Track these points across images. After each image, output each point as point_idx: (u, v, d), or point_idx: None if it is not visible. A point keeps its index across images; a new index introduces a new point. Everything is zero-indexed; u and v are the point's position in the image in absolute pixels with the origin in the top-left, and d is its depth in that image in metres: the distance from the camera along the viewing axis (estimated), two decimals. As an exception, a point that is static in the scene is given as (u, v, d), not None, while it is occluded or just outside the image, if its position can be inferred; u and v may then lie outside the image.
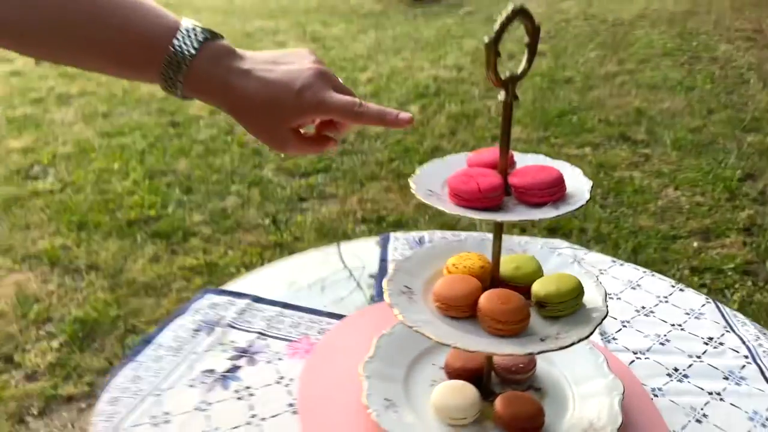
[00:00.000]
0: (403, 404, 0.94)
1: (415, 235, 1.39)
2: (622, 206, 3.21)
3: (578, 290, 0.88)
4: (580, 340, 0.82)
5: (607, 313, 0.87)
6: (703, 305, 1.20)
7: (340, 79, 0.82)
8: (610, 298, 1.22)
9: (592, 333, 0.83)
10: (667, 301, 1.21)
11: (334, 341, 1.10)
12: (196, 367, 1.04)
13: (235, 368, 1.04)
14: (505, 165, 0.85)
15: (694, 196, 3.35)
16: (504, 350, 0.82)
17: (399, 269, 0.95)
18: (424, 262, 0.98)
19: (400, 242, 1.36)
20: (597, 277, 0.93)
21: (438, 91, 4.49)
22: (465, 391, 0.93)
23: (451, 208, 0.80)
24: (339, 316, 1.16)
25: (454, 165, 0.90)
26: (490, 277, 0.92)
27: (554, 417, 0.93)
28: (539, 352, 0.80)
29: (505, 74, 0.80)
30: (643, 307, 1.20)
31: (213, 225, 2.96)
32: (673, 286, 1.26)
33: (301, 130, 0.82)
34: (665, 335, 1.13)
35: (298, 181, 3.30)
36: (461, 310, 0.87)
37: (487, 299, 0.86)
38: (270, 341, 1.10)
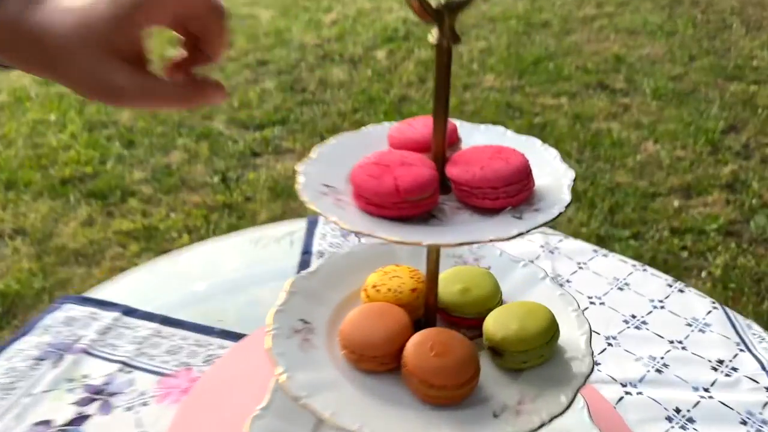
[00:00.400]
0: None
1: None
2: (599, 161, 2.90)
3: (550, 332, 0.57)
4: (551, 419, 0.52)
5: (593, 367, 0.56)
6: (709, 312, 0.91)
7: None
8: (591, 302, 0.91)
9: (570, 404, 0.53)
10: (663, 307, 0.91)
11: (221, 377, 0.79)
12: (28, 417, 0.73)
13: (80, 418, 0.73)
14: (441, 146, 0.53)
15: (675, 150, 3.04)
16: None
17: (296, 292, 0.64)
18: (336, 279, 0.66)
19: (331, 226, 1.04)
20: (578, 306, 0.62)
21: (407, 34, 4.10)
22: None
23: (350, 220, 0.48)
24: (237, 336, 0.85)
25: (370, 143, 0.58)
26: (424, 307, 0.61)
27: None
28: (489, 445, 0.50)
29: (438, 1, 0.47)
30: (633, 317, 0.90)
31: (155, 183, 2.61)
32: (670, 286, 0.96)
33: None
34: (662, 358, 0.83)
35: (251, 134, 2.94)
36: (379, 361, 0.57)
37: (415, 348, 0.55)
38: (136, 375, 0.79)
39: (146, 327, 0.85)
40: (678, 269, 2.30)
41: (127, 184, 2.60)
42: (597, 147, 2.99)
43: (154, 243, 2.27)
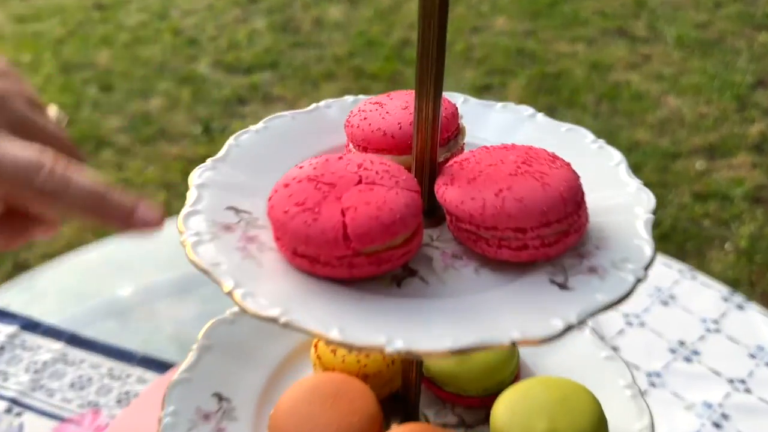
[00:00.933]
0: None
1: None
2: (617, 115, 2.65)
3: (595, 437, 0.36)
4: None
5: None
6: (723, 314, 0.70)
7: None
8: (627, 323, 0.70)
9: None
10: (717, 330, 0.70)
11: (136, 426, 0.58)
12: None
13: (-62, 488, 0.53)
14: (428, 146, 0.31)
15: (698, 106, 2.79)
16: None
17: (208, 347, 0.42)
18: (272, 327, 0.45)
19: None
20: (632, 379, 0.41)
21: (413, -30, 3.78)
22: None
23: (263, 292, 0.27)
24: (164, 366, 0.64)
25: (320, 133, 0.36)
26: (402, 377, 0.40)
27: None
28: None
29: None
30: (682, 344, 0.69)
31: (132, 132, 2.38)
32: (725, 300, 0.75)
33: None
34: (720, 405, 0.63)
35: (238, 79, 2.68)
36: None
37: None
38: (26, 418, 0.59)
39: (49, 348, 0.65)
40: (699, 239, 2.09)
41: (102, 134, 2.37)
42: (615, 100, 2.74)
43: (128, 199, 2.07)
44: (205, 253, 0.28)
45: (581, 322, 0.25)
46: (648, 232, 0.29)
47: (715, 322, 0.71)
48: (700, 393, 0.64)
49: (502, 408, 0.38)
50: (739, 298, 0.74)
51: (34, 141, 0.35)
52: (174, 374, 0.40)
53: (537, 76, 2.84)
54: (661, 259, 0.79)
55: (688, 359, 0.67)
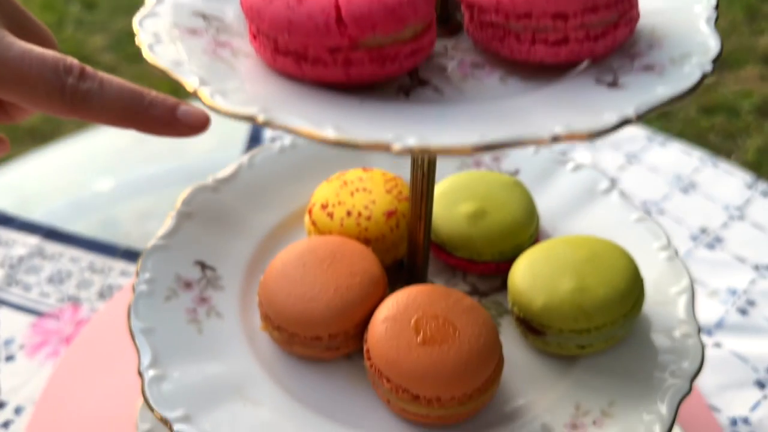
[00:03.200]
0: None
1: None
2: (622, 29, 2.55)
3: (630, 297, 0.31)
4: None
5: (703, 357, 0.31)
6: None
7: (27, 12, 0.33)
8: (645, 211, 0.65)
9: (670, 428, 0.29)
10: (741, 217, 0.66)
11: (120, 320, 0.54)
12: None
13: None
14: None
15: (707, 17, 2.67)
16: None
17: (192, 214, 0.37)
18: (263, 192, 0.40)
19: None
20: (668, 241, 0.36)
21: None
22: None
23: (241, 93, 0.21)
24: (149, 256, 0.59)
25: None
26: (408, 242, 0.35)
27: None
28: None
29: None
30: (704, 231, 0.64)
31: (118, 52, 2.27)
32: (749, 187, 0.69)
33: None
34: (745, 292, 0.58)
35: (228, -5, 2.55)
36: (323, 345, 0.31)
37: (388, 330, 0.30)
38: (2, 313, 0.55)
39: (25, 242, 0.60)
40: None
41: (87, 53, 2.26)
42: (619, 13, 2.63)
43: (117, 120, 1.99)
44: (165, 53, 0.23)
45: (640, 117, 0.20)
46: (711, 28, 0.24)
47: (739, 209, 0.66)
48: (724, 279, 0.59)
49: (522, 269, 0.33)
50: (763, 185, 0.69)
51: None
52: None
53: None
54: (680, 146, 0.73)
55: (710, 246, 0.62)
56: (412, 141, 0.18)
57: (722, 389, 0.51)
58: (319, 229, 0.36)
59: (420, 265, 0.35)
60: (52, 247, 0.60)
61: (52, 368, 0.51)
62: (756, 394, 0.51)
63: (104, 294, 0.56)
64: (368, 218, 0.36)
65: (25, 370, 0.51)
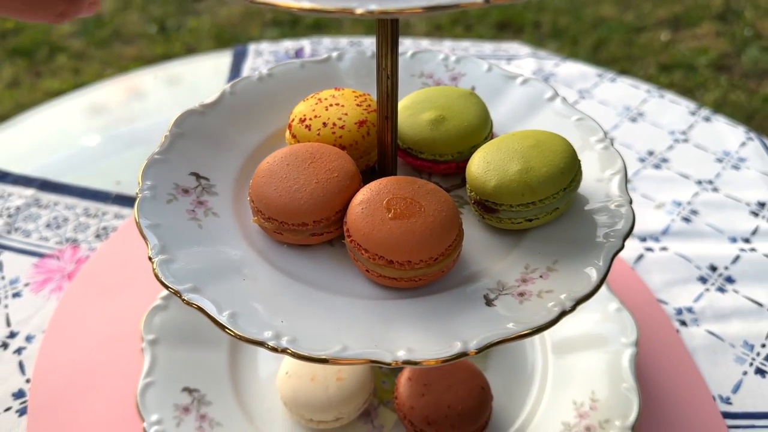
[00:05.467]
0: (219, 400, 0.46)
1: (290, 45, 0.83)
2: (581, -7, 2.60)
3: (569, 173, 0.37)
4: (576, 304, 0.33)
5: (633, 222, 0.37)
6: (743, 144, 0.71)
7: None
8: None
9: (603, 280, 0.34)
10: (686, 140, 0.72)
11: (117, 256, 0.58)
12: None
13: (-76, 321, 0.53)
14: None
15: (663, -22, 2.74)
16: (395, 337, 0.32)
17: (184, 133, 0.42)
18: (247, 113, 0.44)
19: (264, 58, 0.81)
20: (604, 134, 0.42)
21: None
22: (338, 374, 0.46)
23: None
24: (140, 201, 0.63)
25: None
26: (378, 147, 0.40)
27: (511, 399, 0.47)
28: (476, 351, 0.31)
29: None
30: (651, 153, 0.70)
31: (86, 36, 2.28)
32: (693, 114, 0.75)
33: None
34: (689, 203, 0.65)
35: (192, -24, 2.56)
36: (309, 231, 0.36)
37: (364, 209, 0.35)
38: (5, 257, 0.59)
39: (21, 194, 0.64)
40: (665, 108, 2.11)
41: (55, 39, 2.26)
42: (579, -23, 2.68)
43: (89, 103, 2.00)
44: None
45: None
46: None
47: (683, 133, 0.72)
48: (669, 194, 0.65)
49: (477, 159, 0.38)
50: (706, 111, 0.76)
51: None
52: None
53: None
54: (629, 81, 0.79)
55: (657, 166, 0.68)
56: (374, 6, 0.23)
57: (669, 285, 0.57)
58: (298, 141, 0.41)
59: (390, 168, 0.40)
60: (48, 197, 0.64)
61: (57, 301, 0.55)
62: (699, 287, 0.57)
63: (100, 235, 0.60)
64: (342, 127, 0.40)
65: (32, 304, 0.55)
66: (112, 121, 0.73)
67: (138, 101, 0.76)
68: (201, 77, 0.78)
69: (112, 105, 0.75)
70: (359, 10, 0.23)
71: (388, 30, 0.33)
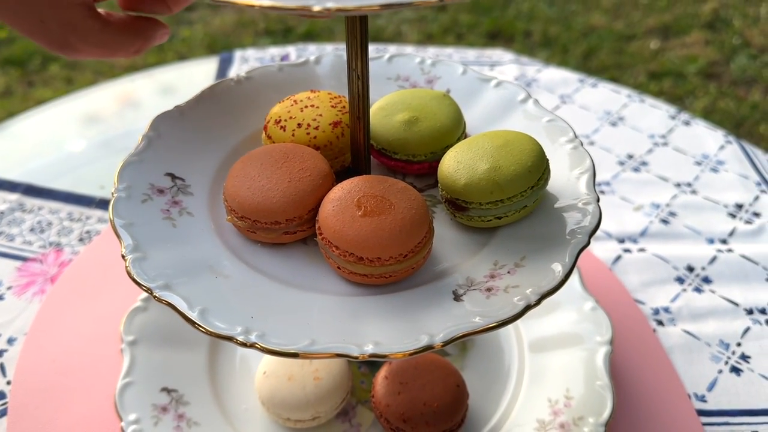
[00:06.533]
0: (197, 400, 0.47)
1: (276, 52, 0.84)
2: (573, 2, 2.63)
3: (536, 171, 0.37)
4: (541, 298, 0.33)
5: (599, 220, 0.37)
6: (722, 147, 0.72)
7: None
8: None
9: (568, 275, 0.35)
10: (665, 144, 0.73)
11: (100, 260, 0.59)
12: None
13: None
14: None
15: (652, -12, 2.77)
16: (369, 335, 0.33)
17: (160, 135, 0.42)
18: (223, 115, 0.45)
19: (249, 64, 0.81)
20: (574, 135, 0.42)
21: None
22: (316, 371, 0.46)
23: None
24: (123, 205, 0.64)
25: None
26: (351, 147, 0.40)
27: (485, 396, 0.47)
28: (443, 344, 0.31)
29: None
30: (630, 157, 0.71)
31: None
32: (673, 118, 0.76)
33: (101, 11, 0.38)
34: (668, 205, 0.65)
35: (185, -13, 2.57)
36: (281, 229, 0.37)
37: (335, 207, 0.36)
38: (-13, 262, 0.59)
39: (5, 199, 0.64)
40: (655, 116, 2.12)
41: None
42: (569, -14, 2.71)
43: (81, 113, 2.00)
44: None
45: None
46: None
47: (663, 137, 0.73)
48: (648, 196, 0.66)
49: (449, 159, 0.39)
50: (685, 116, 0.77)
51: None
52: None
53: (487, -32, 2.78)
54: (610, 86, 0.80)
55: (636, 169, 0.69)
56: (331, 3, 0.24)
57: (646, 286, 0.58)
58: (274, 142, 0.42)
59: (363, 166, 0.41)
60: (32, 202, 0.64)
61: (39, 304, 0.55)
62: (676, 287, 0.58)
63: (84, 239, 0.61)
64: (316, 128, 0.41)
65: (15, 307, 0.55)
66: (100, 126, 0.73)
67: (128, 107, 0.76)
68: (190, 83, 0.79)
69: (102, 111, 0.75)
70: (316, 8, 0.24)
71: (357, 30, 0.34)
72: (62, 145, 0.71)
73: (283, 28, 2.44)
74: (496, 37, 2.42)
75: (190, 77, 0.81)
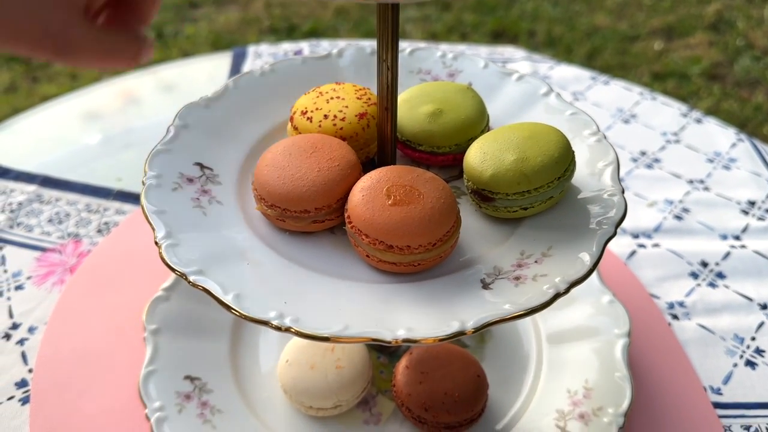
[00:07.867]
0: (220, 388, 0.47)
1: (289, 47, 0.84)
2: (577, 2, 2.64)
3: (562, 163, 0.38)
4: (569, 287, 0.34)
5: (625, 211, 0.38)
6: (734, 145, 0.73)
7: None
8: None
9: (596, 264, 0.35)
10: (678, 141, 0.73)
11: (118, 250, 0.59)
12: None
13: (-72, 312, 0.54)
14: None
15: (656, -11, 2.78)
16: (396, 322, 0.33)
17: (189, 126, 0.43)
18: (250, 106, 0.46)
19: (263, 60, 0.82)
20: (597, 128, 0.43)
21: None
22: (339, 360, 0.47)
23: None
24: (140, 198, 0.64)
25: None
26: (378, 139, 0.41)
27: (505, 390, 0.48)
28: (474, 330, 0.32)
29: None
30: (643, 153, 0.72)
31: (82, 42, 2.29)
32: (684, 115, 0.77)
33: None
34: (681, 201, 0.66)
35: (189, -17, 2.58)
36: (311, 218, 0.38)
37: (365, 196, 0.36)
38: (8, 251, 0.59)
39: (23, 190, 0.65)
40: (659, 116, 2.13)
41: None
42: (573, -13, 2.71)
43: (85, 109, 2.01)
44: None
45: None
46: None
47: (675, 134, 0.74)
48: (661, 192, 0.67)
49: (474, 150, 0.40)
50: (697, 113, 0.77)
51: None
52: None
53: (492, -33, 2.78)
54: (622, 84, 0.81)
55: (649, 166, 0.70)
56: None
57: (661, 281, 0.58)
58: (300, 133, 0.42)
59: (389, 157, 0.41)
60: (50, 193, 0.64)
61: (59, 294, 0.56)
62: (690, 282, 0.58)
63: (102, 230, 0.61)
64: (342, 119, 0.42)
65: (35, 297, 0.56)
66: (108, 122, 0.74)
67: (133, 104, 0.77)
68: (198, 80, 0.79)
69: (108, 107, 0.76)
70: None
71: (389, 20, 0.35)
72: (69, 141, 0.72)
73: (288, 26, 2.44)
74: (500, 37, 2.43)
75: (202, 73, 0.81)
